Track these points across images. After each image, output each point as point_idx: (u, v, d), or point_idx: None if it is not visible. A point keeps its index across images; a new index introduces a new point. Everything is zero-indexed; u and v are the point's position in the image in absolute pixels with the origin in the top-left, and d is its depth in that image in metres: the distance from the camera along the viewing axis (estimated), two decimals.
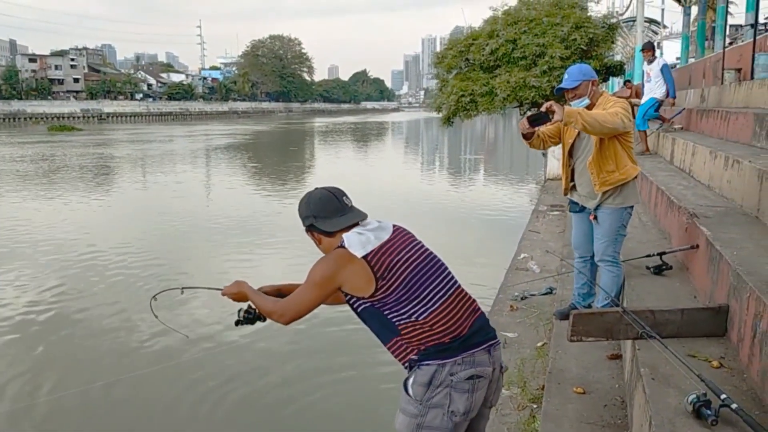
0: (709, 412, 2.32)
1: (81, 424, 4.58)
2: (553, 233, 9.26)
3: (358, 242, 2.23)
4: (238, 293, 2.53)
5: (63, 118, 57.41)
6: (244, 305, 2.58)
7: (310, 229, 2.38)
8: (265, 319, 2.59)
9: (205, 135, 43.02)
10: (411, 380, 2.22)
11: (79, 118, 58.20)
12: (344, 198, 2.39)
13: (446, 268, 2.36)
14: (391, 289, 2.20)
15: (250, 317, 2.57)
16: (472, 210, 12.99)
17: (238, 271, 8.33)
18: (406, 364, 2.28)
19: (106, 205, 14.45)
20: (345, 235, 2.27)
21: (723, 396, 2.35)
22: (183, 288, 2.82)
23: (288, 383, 5.28)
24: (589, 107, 4.22)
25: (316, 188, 2.43)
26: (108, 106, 74.03)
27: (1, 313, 6.75)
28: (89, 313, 6.79)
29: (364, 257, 2.20)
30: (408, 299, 2.20)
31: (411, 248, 2.32)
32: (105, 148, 32.23)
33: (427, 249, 2.38)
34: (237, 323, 2.60)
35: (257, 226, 11.67)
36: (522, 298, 6.24)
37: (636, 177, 4.28)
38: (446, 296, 2.25)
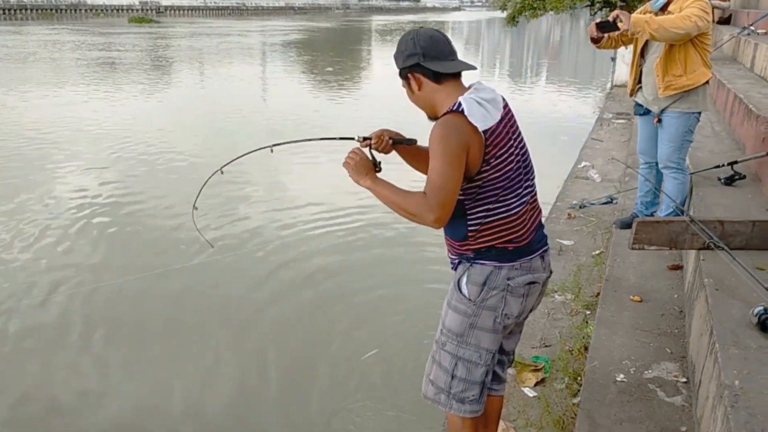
0: None
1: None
2: (617, 142, 8.95)
3: (479, 114, 1.92)
4: (357, 177, 2.09)
5: (122, 10, 57.47)
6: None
7: (413, 69, 2.01)
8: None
9: (271, 30, 42.31)
10: (465, 279, 2.11)
11: (137, 10, 58.06)
12: (452, 45, 2.05)
13: (532, 168, 2.13)
14: (490, 179, 1.97)
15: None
16: (531, 116, 12.59)
17: (293, 175, 8.40)
18: (456, 259, 2.15)
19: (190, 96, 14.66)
20: (463, 99, 1.94)
21: None
22: (273, 146, 2.45)
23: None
24: (665, 7, 3.97)
25: (422, 27, 2.05)
26: (166, 0, 73.67)
27: (60, 204, 7.02)
28: (140, 206, 6.98)
29: (483, 132, 1.92)
30: (497, 196, 2.00)
31: (516, 137, 2.05)
32: (185, 40, 32.42)
33: (522, 139, 2.10)
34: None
35: (313, 127, 11.59)
36: (580, 207, 6.12)
37: (707, 82, 4.03)
38: (525, 202, 2.06)
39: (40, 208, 6.77)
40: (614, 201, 6.09)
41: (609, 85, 15.51)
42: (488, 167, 1.97)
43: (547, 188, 7.06)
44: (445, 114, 1.97)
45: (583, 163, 7.78)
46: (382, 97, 14.76)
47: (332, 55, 27.99)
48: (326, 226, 6.40)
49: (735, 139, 5.30)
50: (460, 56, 2.07)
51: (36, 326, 4.48)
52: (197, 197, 2.64)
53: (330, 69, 21.88)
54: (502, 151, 1.98)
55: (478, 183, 1.99)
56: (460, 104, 1.94)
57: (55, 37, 32.17)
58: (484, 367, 2.17)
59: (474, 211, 2.03)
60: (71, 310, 4.70)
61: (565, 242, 5.21)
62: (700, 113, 4.13)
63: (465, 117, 1.92)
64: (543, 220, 2.25)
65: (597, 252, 4.95)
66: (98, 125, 11.07)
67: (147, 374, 3.98)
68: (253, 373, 4.00)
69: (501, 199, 2.02)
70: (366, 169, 2.10)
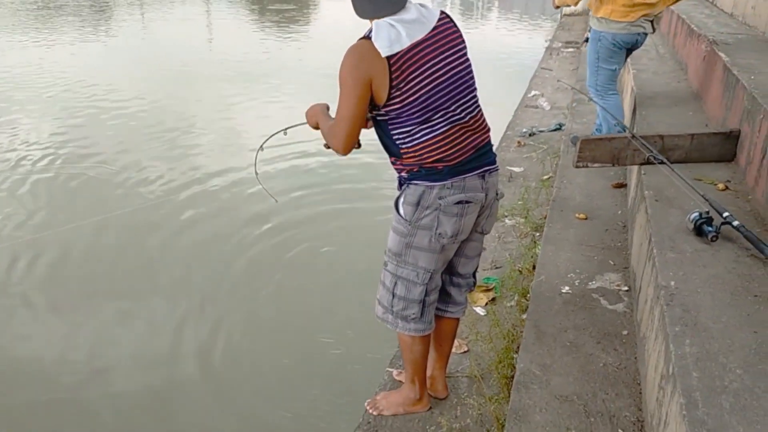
0: (710, 228, 2.34)
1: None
2: (566, 70, 8.99)
3: (386, 38, 1.91)
4: (314, 123, 2.31)
5: None
6: None
7: None
8: None
9: None
10: (402, 199, 2.14)
11: None
12: None
13: (469, 89, 2.09)
14: (403, 103, 1.96)
15: None
16: (482, 49, 12.52)
17: (253, 117, 8.24)
18: (398, 180, 2.18)
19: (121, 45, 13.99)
20: (375, 23, 1.95)
21: (725, 214, 2.36)
22: (286, 129, 2.66)
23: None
24: None
25: None
26: None
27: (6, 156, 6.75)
28: (97, 157, 6.78)
29: (387, 58, 1.91)
30: (419, 116, 1.99)
31: (443, 56, 2.00)
32: None
33: (460, 59, 2.06)
34: None
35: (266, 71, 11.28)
36: (530, 135, 6.18)
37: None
38: (456, 122, 2.04)
39: None
40: (562, 128, 6.16)
41: (559, 15, 15.46)
42: (398, 92, 1.95)
43: (498, 118, 7.10)
44: (358, 39, 1.99)
45: (533, 92, 7.82)
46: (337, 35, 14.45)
47: None
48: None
49: (678, 60, 5.37)
50: None
51: None
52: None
53: (287, 7, 21.15)
54: (416, 74, 1.95)
55: (394, 106, 1.98)
56: (370, 30, 1.96)
57: None
58: (422, 286, 2.21)
59: (398, 131, 2.04)
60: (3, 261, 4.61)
61: (515, 169, 5.28)
62: (609, 38, 4.06)
63: (371, 42, 1.93)
64: (494, 148, 2.26)
65: (546, 177, 5.03)
66: (43, 74, 10.55)
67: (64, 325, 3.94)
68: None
69: (424, 119, 2.00)
70: (314, 116, 2.30)
